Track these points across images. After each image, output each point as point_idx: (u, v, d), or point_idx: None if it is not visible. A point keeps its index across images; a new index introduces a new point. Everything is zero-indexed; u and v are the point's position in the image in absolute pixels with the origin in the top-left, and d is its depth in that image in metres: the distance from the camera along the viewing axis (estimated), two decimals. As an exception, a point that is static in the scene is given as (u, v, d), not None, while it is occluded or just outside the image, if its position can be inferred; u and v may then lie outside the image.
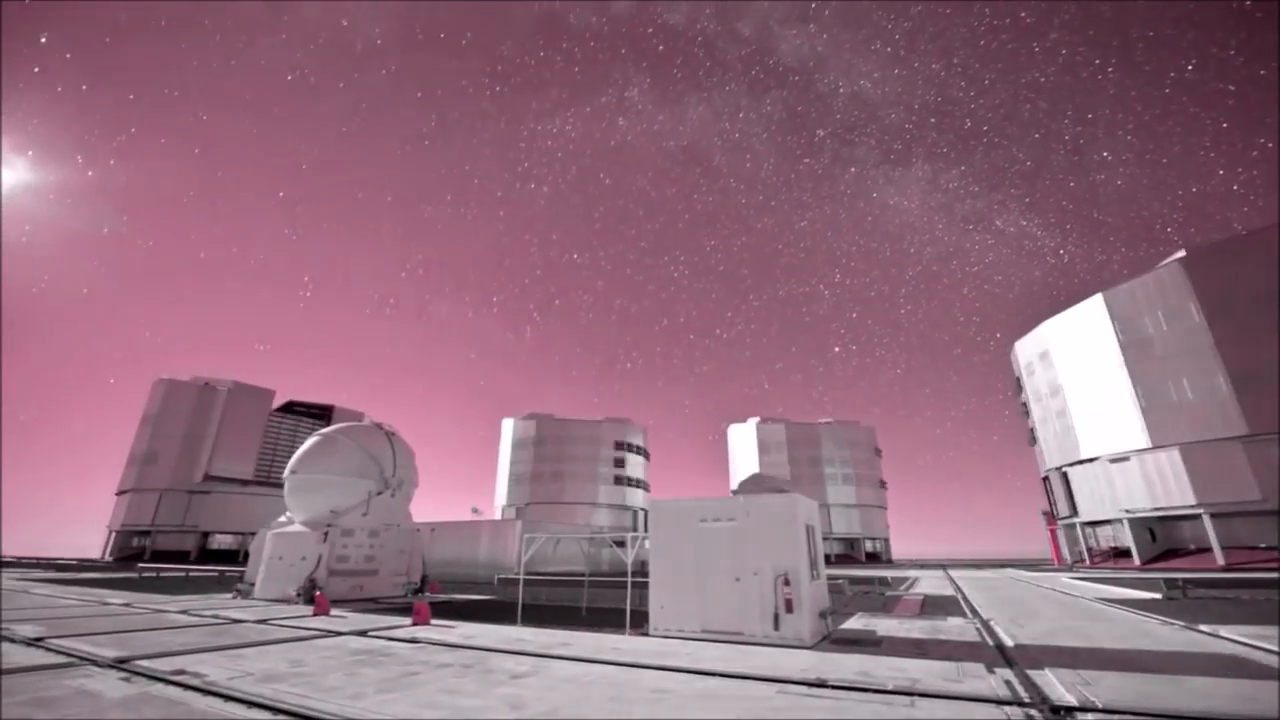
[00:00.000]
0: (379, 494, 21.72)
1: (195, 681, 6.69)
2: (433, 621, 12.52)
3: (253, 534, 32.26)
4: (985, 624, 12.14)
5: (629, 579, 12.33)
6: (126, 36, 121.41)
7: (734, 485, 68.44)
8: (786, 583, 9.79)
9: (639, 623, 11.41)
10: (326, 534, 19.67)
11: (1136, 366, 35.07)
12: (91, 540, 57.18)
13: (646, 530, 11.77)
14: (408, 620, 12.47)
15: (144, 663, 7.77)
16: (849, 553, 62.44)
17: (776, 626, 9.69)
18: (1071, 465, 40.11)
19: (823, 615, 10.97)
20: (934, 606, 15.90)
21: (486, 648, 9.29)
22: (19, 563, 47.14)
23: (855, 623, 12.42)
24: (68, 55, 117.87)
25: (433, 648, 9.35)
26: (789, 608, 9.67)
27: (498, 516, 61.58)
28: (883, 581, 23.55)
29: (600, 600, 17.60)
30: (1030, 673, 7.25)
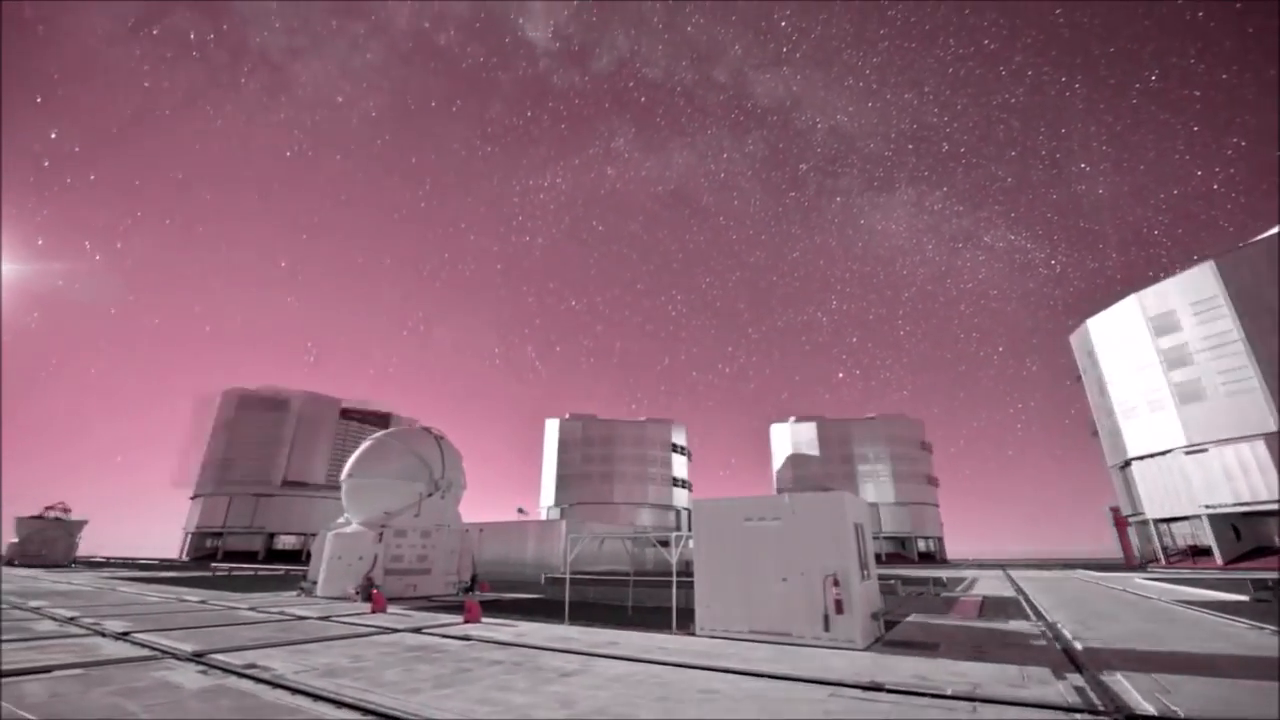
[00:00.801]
0: (429, 496, 22.41)
1: (265, 675, 7.06)
2: (483, 620, 12.82)
3: (314, 535, 33.80)
4: (1050, 626, 11.55)
5: (674, 578, 12.31)
6: (132, 126, 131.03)
7: (776, 486, 67.37)
8: (836, 583, 9.56)
9: (685, 622, 11.38)
10: (381, 534, 20.43)
11: (1258, 341, 31.54)
12: (171, 541, 61.11)
13: (690, 529, 11.72)
14: (460, 618, 12.81)
15: (218, 656, 8.26)
16: (900, 552, 60.53)
17: (827, 628, 9.48)
18: (1146, 457, 37.55)
19: (875, 617, 10.67)
20: (994, 608, 15.23)
21: (536, 646, 9.45)
22: (108, 562, 50.91)
23: (910, 625, 12.02)
24: (76, 148, 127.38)
25: (484, 645, 9.57)
26: (839, 609, 9.44)
27: (543, 517, 62.58)
28: (938, 582, 22.74)
29: (646, 599, 17.64)
30: (1102, 678, 6.85)
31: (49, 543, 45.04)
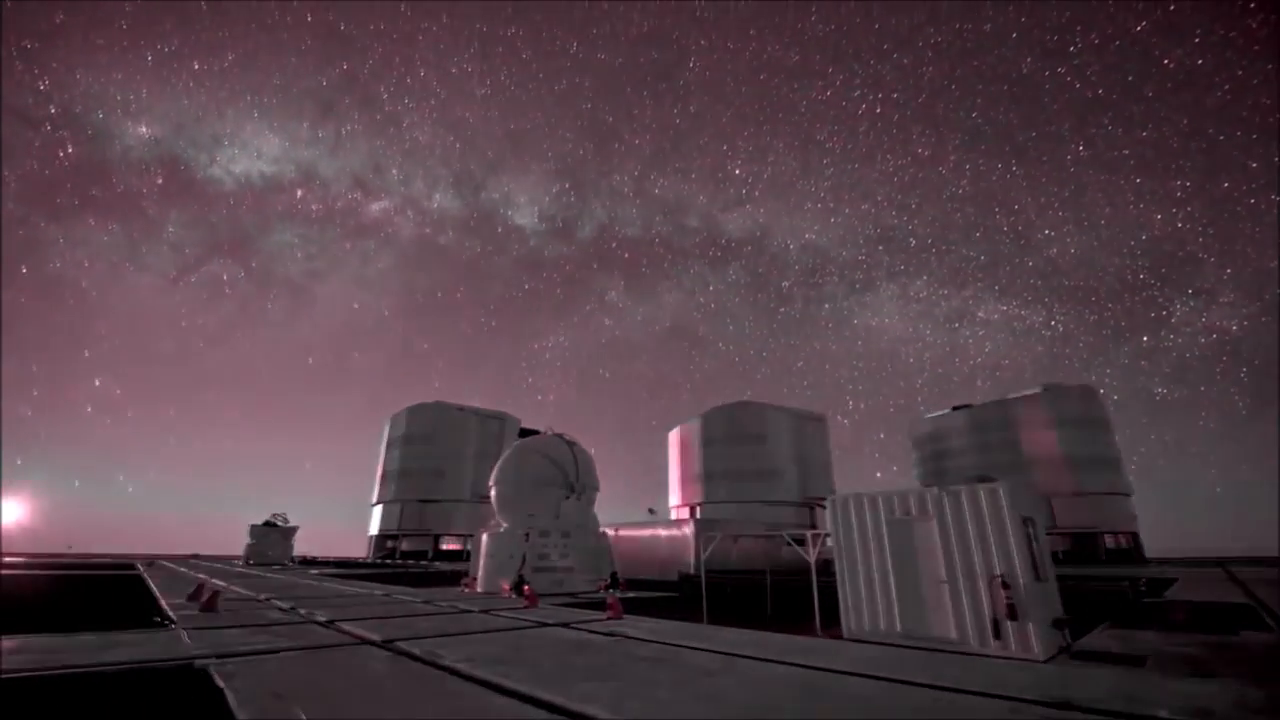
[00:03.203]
0: (566, 498, 23.69)
1: (441, 662, 7.88)
2: (625, 616, 13.23)
3: (471, 536, 37.21)
4: (1305, 641, 9.34)
5: (814, 578, 11.80)
6: (168, 361, 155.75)
7: (919, 483, 62.03)
8: (1005, 585, 8.55)
9: (827, 623, 10.85)
10: (528, 535, 21.97)
11: None
12: (362, 542, 71.09)
13: (829, 527, 11.16)
14: (603, 615, 13.34)
15: (401, 644, 9.37)
16: (1084, 550, 52.63)
17: (997, 635, 8.51)
18: None
19: (1057, 624, 9.37)
20: (1215, 615, 12.65)
21: (676, 644, 9.54)
22: (315, 561, 60.40)
23: (1103, 634, 10.40)
24: (118, 391, 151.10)
25: (628, 641, 9.86)
26: (1011, 614, 8.42)
27: (673, 516, 63.28)
28: (1135, 584, 19.43)
29: (784, 598, 17.11)
30: (1394, 710, 5.38)
31: (272, 545, 54.34)
